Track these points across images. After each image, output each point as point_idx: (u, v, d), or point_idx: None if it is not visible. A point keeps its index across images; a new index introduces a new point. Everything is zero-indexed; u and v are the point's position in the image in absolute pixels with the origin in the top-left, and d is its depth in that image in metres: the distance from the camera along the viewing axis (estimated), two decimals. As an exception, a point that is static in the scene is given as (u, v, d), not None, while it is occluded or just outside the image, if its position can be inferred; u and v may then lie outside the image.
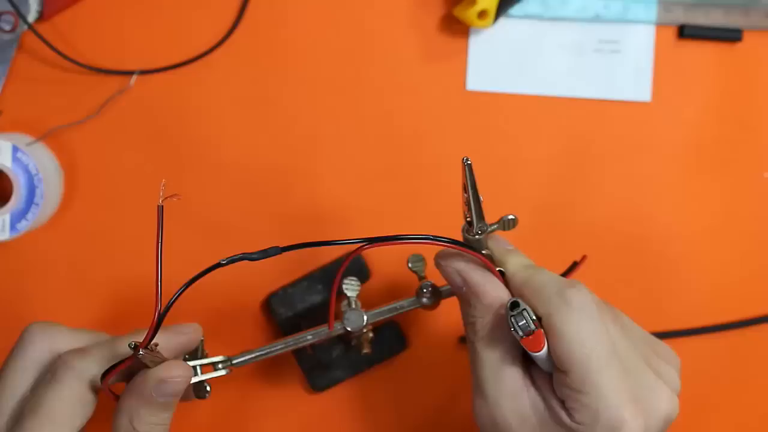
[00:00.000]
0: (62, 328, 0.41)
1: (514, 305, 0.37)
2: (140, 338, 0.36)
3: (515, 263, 0.42)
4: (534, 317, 0.37)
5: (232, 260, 0.35)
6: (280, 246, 0.36)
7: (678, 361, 0.42)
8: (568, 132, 0.55)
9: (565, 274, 0.46)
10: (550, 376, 0.39)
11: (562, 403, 0.38)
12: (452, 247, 0.39)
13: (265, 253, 0.36)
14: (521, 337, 0.37)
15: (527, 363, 0.40)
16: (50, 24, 0.53)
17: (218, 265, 0.35)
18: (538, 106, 0.54)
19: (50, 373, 0.38)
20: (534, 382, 0.40)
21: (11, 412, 0.39)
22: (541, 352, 0.38)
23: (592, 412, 0.36)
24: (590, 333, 0.37)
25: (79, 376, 0.38)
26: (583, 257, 0.46)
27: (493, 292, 0.40)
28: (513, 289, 0.41)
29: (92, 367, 0.38)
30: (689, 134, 0.55)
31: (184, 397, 0.40)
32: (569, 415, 0.37)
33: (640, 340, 0.41)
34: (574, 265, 0.46)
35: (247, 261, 0.36)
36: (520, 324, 0.37)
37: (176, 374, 0.38)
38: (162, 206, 0.35)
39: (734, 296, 0.55)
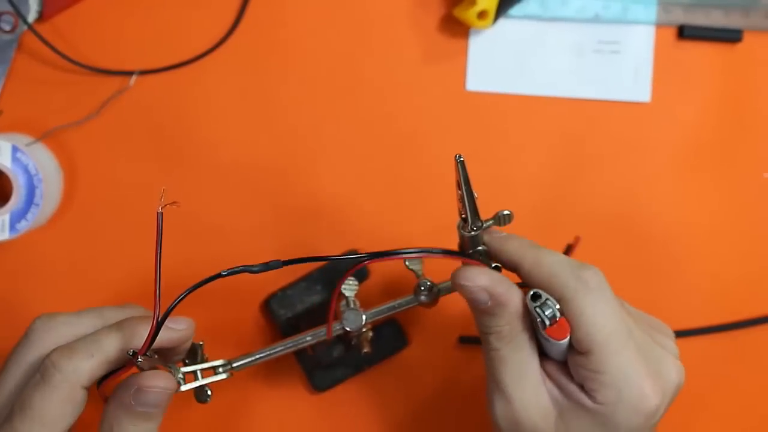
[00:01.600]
0: (65, 320, 0.41)
1: (536, 296, 0.38)
2: (134, 312, 0.36)
3: (515, 247, 0.41)
4: (557, 306, 0.38)
5: (233, 272, 0.36)
6: (282, 260, 0.36)
7: (671, 331, 0.43)
8: (567, 132, 0.55)
9: None
10: (561, 365, 0.40)
11: (581, 387, 0.38)
12: (446, 258, 0.39)
13: (267, 266, 0.36)
14: (547, 326, 0.37)
15: (540, 357, 0.41)
16: (50, 24, 0.53)
17: (218, 276, 0.35)
18: (537, 106, 0.54)
19: (39, 373, 0.38)
20: (548, 374, 0.40)
21: (3, 409, 0.39)
22: (564, 340, 0.38)
23: (615, 391, 0.37)
24: (609, 314, 0.38)
25: (66, 378, 0.37)
26: (577, 238, 0.46)
27: (516, 298, 0.40)
28: (523, 275, 0.41)
29: (80, 367, 0.38)
30: (689, 135, 0.55)
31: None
32: (591, 397, 0.38)
33: (638, 316, 0.42)
34: (569, 248, 0.46)
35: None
36: (546, 313, 0.37)
37: (156, 384, 0.37)
38: (161, 213, 0.35)
39: (734, 296, 0.55)
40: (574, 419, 0.39)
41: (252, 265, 0.36)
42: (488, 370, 0.41)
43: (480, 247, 0.43)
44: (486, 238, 0.43)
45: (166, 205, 0.34)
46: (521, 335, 0.40)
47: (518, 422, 0.40)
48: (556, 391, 0.40)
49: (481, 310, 0.41)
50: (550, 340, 0.38)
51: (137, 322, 0.39)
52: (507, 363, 0.40)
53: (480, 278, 0.40)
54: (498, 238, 0.42)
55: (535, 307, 0.38)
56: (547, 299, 0.38)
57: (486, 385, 0.42)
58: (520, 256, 0.41)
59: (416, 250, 0.39)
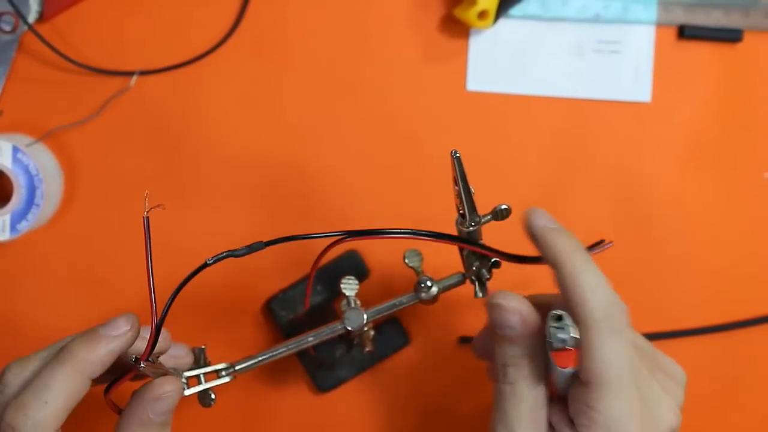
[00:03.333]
0: (15, 371, 0.38)
1: (559, 318, 0.37)
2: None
3: (562, 246, 0.39)
4: (575, 336, 0.37)
5: (218, 258, 0.36)
6: (264, 241, 0.37)
7: (683, 376, 0.42)
8: (567, 132, 0.55)
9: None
10: (559, 407, 0.39)
11: (572, 423, 0.38)
12: (440, 242, 0.39)
13: (250, 249, 0.36)
14: (553, 349, 0.37)
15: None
16: (50, 24, 0.53)
17: (205, 265, 0.35)
18: (538, 106, 0.54)
19: None
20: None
21: None
22: (566, 369, 0.37)
23: (604, 430, 0.37)
24: (622, 356, 0.37)
25: None
26: (609, 243, 0.45)
27: (538, 323, 0.39)
28: (557, 279, 0.39)
29: (39, 418, 0.36)
30: (689, 134, 0.55)
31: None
32: None
33: (645, 352, 0.41)
34: (598, 242, 0.45)
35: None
36: (559, 336, 0.37)
37: (166, 390, 0.37)
38: (147, 217, 0.35)
39: (734, 296, 0.55)
40: None
41: (236, 250, 0.36)
42: (498, 403, 0.40)
43: (480, 242, 0.43)
44: (533, 219, 0.41)
45: (151, 208, 0.34)
46: (538, 371, 0.39)
47: None
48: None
49: (500, 339, 0.40)
50: (553, 364, 0.38)
51: (78, 346, 0.37)
52: (520, 401, 0.39)
53: (518, 303, 0.39)
54: (549, 230, 0.40)
55: (551, 327, 0.37)
56: (569, 326, 0.37)
57: (490, 415, 0.41)
58: (563, 260, 0.39)
59: (401, 230, 0.38)
